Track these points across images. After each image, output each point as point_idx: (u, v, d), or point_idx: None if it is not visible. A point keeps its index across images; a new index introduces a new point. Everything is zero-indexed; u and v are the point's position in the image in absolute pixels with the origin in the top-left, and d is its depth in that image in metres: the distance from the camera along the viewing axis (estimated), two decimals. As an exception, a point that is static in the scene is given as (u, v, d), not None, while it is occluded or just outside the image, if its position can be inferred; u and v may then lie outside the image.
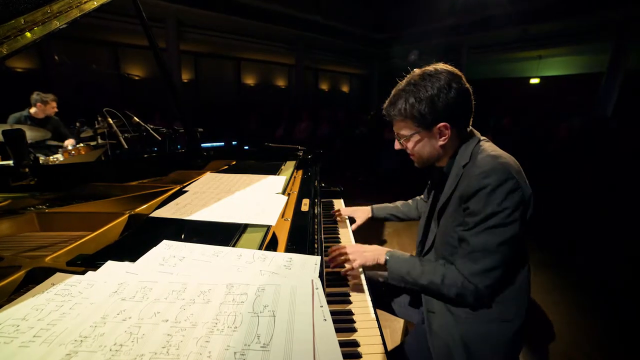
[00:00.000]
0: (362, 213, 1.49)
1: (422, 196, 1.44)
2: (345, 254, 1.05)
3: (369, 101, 13.32)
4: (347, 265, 1.05)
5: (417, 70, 0.97)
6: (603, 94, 8.19)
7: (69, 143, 3.31)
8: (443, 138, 0.95)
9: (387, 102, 1.00)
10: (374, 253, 1.05)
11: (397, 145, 1.05)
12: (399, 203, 1.50)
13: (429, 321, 0.99)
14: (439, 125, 0.93)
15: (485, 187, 0.85)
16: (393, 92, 0.99)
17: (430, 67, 0.95)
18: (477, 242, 0.87)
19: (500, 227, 0.85)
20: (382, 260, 1.04)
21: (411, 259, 1.01)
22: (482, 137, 1.01)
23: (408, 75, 0.98)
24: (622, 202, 4.24)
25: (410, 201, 1.49)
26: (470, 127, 1.01)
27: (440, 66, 0.94)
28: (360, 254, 1.04)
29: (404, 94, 0.94)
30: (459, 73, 0.93)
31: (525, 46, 9.52)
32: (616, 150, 4.89)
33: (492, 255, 0.86)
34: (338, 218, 1.51)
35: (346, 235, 1.39)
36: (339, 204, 1.75)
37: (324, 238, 1.32)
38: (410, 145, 1.00)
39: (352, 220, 1.50)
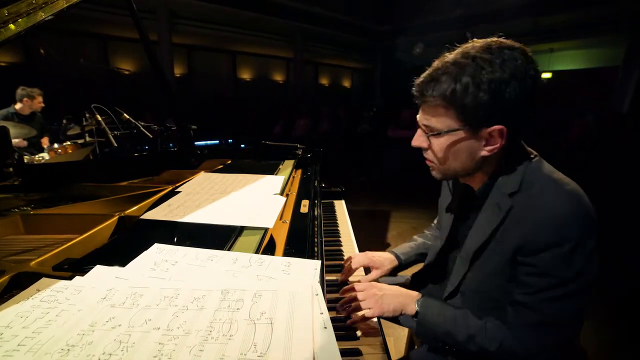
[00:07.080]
0: (382, 261, 1.10)
1: (435, 222, 1.18)
2: (358, 298, 0.84)
3: (371, 97, 13.33)
4: (359, 312, 0.83)
5: (477, 40, 0.70)
6: (619, 89, 8.19)
7: (46, 141, 3.35)
8: (491, 147, 0.71)
9: (424, 75, 0.73)
10: (397, 301, 0.83)
11: (416, 141, 0.79)
12: (419, 239, 1.19)
13: None
14: (492, 128, 0.68)
15: (563, 243, 0.65)
16: (436, 63, 0.72)
17: (498, 39, 0.69)
18: (550, 312, 0.69)
19: (579, 295, 0.68)
20: (409, 312, 0.82)
21: (450, 312, 0.79)
22: (533, 154, 0.78)
23: (462, 45, 0.72)
24: (634, 202, 4.24)
25: (427, 232, 1.21)
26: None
27: (511, 42, 0.68)
28: (377, 301, 0.82)
29: (454, 69, 0.67)
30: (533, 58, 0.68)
31: (536, 39, 9.50)
32: (632, 148, 4.89)
33: (569, 326, 0.71)
34: (349, 269, 1.09)
35: (348, 236, 1.39)
36: (340, 205, 1.75)
37: (325, 241, 1.31)
38: (439, 144, 0.74)
39: (366, 270, 1.14)
